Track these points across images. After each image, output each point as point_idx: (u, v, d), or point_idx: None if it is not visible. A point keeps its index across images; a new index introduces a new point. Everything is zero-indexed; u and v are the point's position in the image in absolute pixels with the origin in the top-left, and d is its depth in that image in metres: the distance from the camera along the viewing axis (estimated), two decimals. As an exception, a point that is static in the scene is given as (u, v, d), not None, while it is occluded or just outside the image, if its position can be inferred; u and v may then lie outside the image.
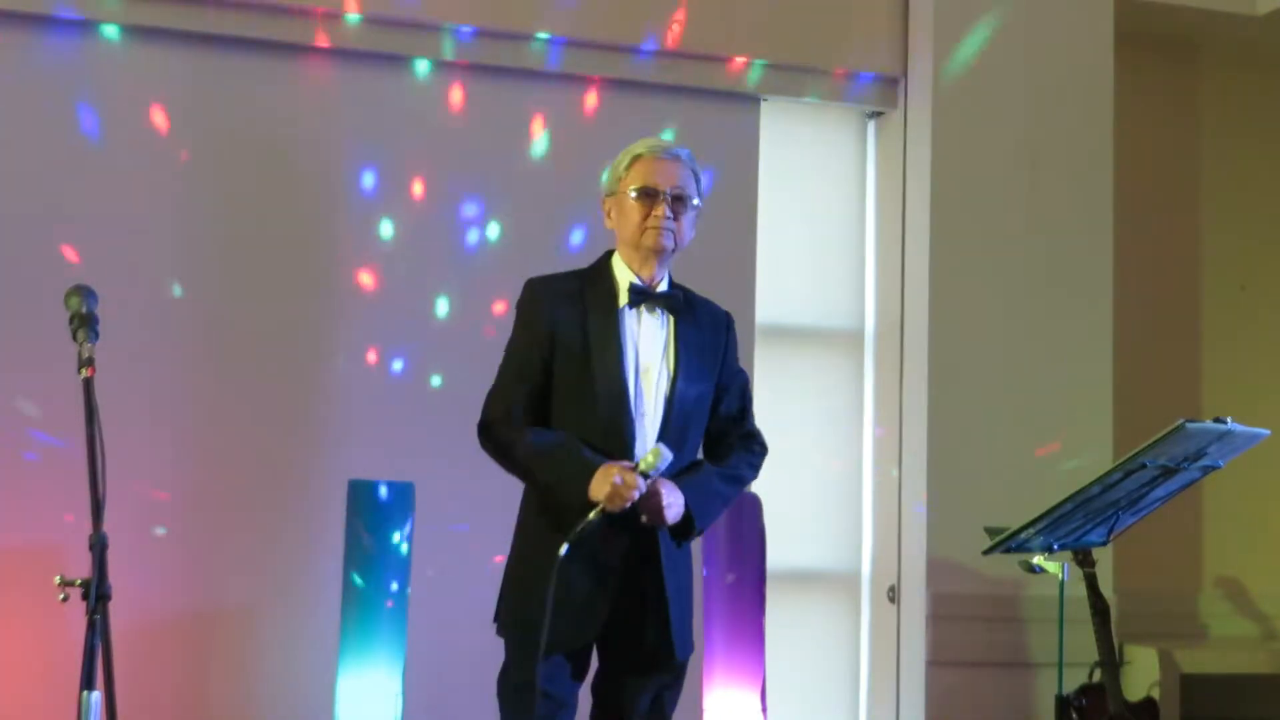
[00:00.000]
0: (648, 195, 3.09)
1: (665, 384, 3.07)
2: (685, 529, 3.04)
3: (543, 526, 3.02)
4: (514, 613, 3.07)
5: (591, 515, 2.88)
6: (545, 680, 2.93)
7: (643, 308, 3.10)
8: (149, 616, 3.95)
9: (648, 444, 2.97)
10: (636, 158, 3.15)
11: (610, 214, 3.19)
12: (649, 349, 3.09)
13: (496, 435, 3.08)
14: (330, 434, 4.20)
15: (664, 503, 2.94)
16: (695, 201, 3.15)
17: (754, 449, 3.24)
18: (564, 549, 2.84)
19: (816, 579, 4.81)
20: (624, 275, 3.13)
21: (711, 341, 3.18)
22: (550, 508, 3.01)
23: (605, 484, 2.90)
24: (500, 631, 3.10)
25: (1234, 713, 4.85)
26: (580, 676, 3.07)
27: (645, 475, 2.91)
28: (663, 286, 3.15)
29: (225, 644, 4.09)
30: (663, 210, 3.08)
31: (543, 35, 4.40)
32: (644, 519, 2.96)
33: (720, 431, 3.19)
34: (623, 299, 3.10)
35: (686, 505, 2.99)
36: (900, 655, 4.66)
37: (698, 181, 3.18)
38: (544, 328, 3.08)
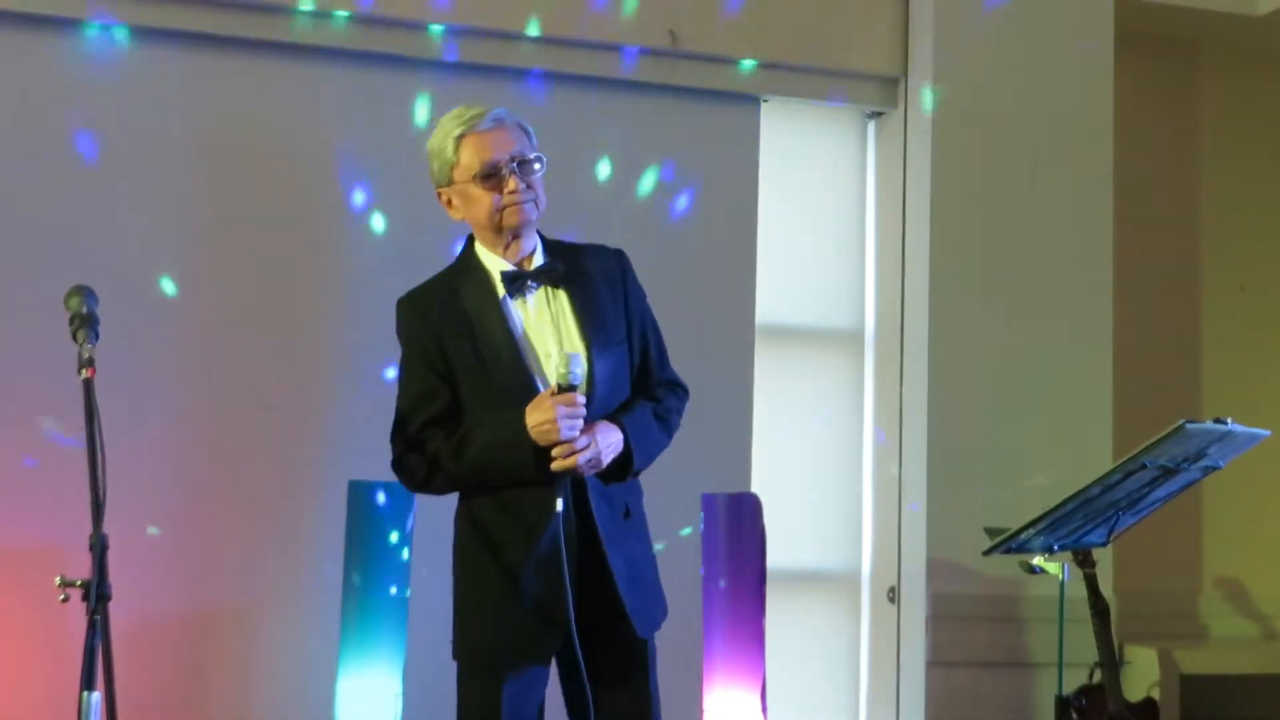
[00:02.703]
0: (491, 175, 2.90)
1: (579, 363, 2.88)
2: (619, 468, 2.90)
3: (483, 558, 2.93)
4: (469, 643, 2.96)
5: (555, 454, 2.76)
6: (510, 712, 2.86)
7: (523, 292, 2.92)
8: (149, 616, 3.95)
9: (584, 402, 2.82)
10: (460, 139, 2.94)
11: (452, 204, 2.99)
12: (543, 333, 2.92)
13: (414, 462, 2.95)
14: (330, 434, 4.20)
15: (597, 447, 2.80)
16: (537, 160, 2.95)
17: (679, 393, 3.10)
18: (559, 505, 2.75)
19: (816, 579, 4.81)
20: (492, 264, 2.95)
21: (609, 294, 2.98)
22: (490, 540, 2.90)
23: (545, 419, 2.76)
24: (456, 656, 2.98)
25: (1234, 713, 4.85)
26: (540, 701, 2.96)
27: (572, 387, 2.78)
28: (537, 259, 2.97)
29: (225, 644, 4.09)
30: (514, 183, 2.89)
31: (542, 35, 4.40)
32: (570, 467, 2.79)
33: (640, 386, 3.04)
34: (500, 290, 2.93)
35: (625, 441, 2.87)
36: (900, 655, 4.66)
37: (531, 138, 2.98)
38: (432, 343, 2.93)
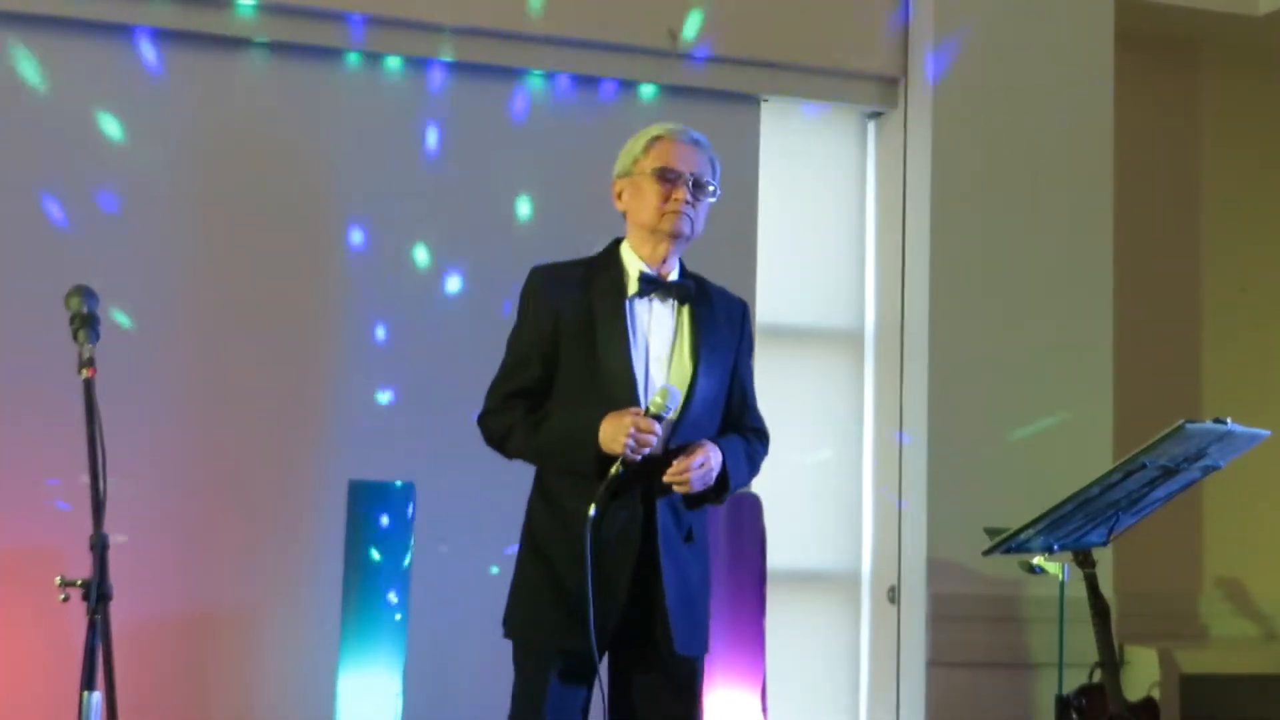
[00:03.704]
0: (668, 178, 3.00)
1: (683, 376, 2.97)
2: (709, 491, 2.95)
3: (530, 547, 2.97)
4: (510, 621, 2.99)
5: (613, 470, 2.79)
6: (554, 707, 2.88)
7: (653, 297, 3.00)
8: (149, 616, 3.95)
9: (659, 434, 2.87)
10: (656, 139, 3.05)
11: (622, 196, 3.08)
12: (660, 339, 2.99)
13: (493, 424, 3.01)
14: (330, 434, 4.20)
15: (711, 464, 2.88)
16: (713, 191, 3.06)
17: (764, 441, 3.17)
18: (592, 510, 2.77)
19: (816, 579, 4.81)
20: (633, 263, 3.03)
21: (727, 334, 3.08)
22: (559, 508, 2.92)
23: (618, 432, 2.81)
24: (509, 634, 2.99)
25: (1234, 713, 4.85)
26: (577, 696, 2.95)
27: (658, 418, 2.82)
28: (674, 275, 3.05)
29: (225, 644, 4.09)
30: (683, 194, 2.99)
31: (544, 36, 4.40)
32: (671, 482, 2.86)
33: (731, 427, 3.10)
34: (632, 287, 3.00)
35: (723, 465, 2.93)
36: (900, 655, 4.66)
37: (715, 171, 3.08)
38: (548, 318, 2.99)
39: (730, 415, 3.11)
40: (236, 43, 4.18)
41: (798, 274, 4.84)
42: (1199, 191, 5.45)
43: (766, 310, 4.70)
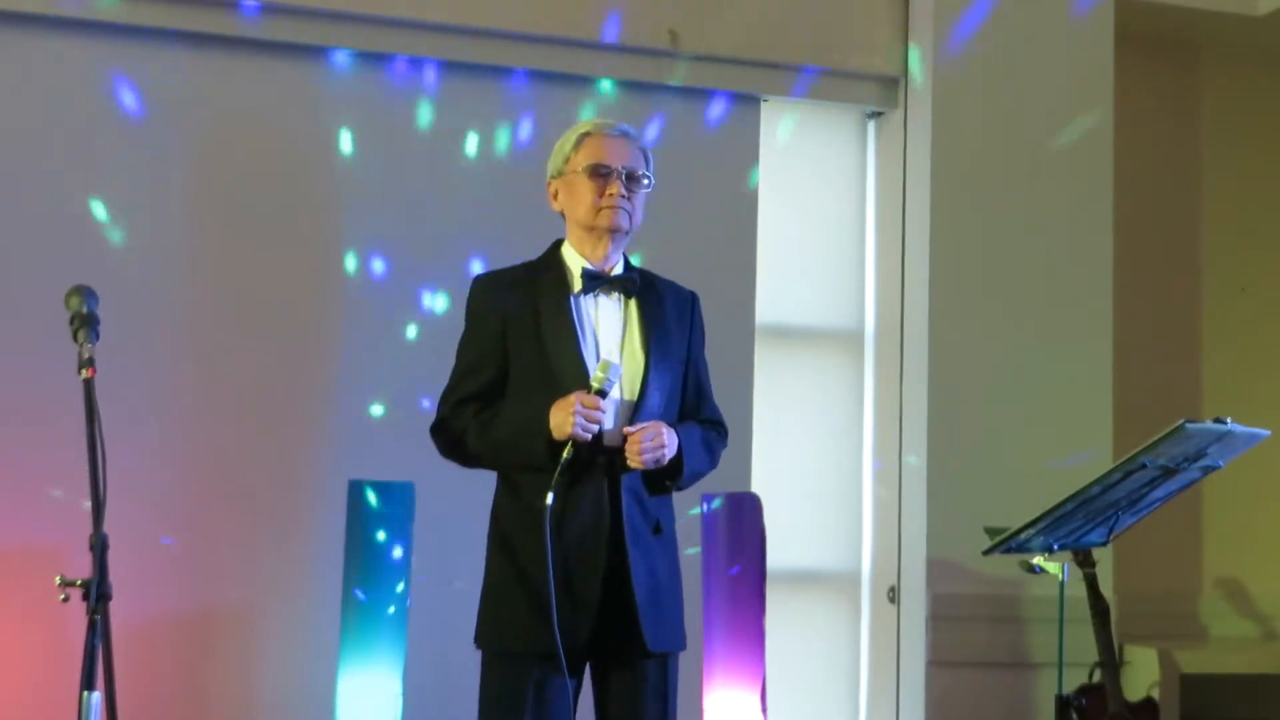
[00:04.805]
0: (600, 174, 3.01)
1: (635, 368, 2.99)
2: (664, 475, 2.99)
3: (498, 549, 3.00)
4: (480, 626, 3.01)
5: (565, 453, 2.83)
6: (540, 710, 2.88)
7: (599, 293, 3.02)
8: (149, 616, 3.95)
9: (605, 410, 2.90)
10: (585, 135, 3.06)
11: (557, 196, 3.10)
12: (609, 333, 3.01)
13: (448, 429, 3.03)
14: (330, 434, 4.20)
15: (663, 440, 2.90)
16: (647, 181, 3.07)
17: (720, 431, 3.19)
18: (549, 499, 2.80)
19: (816, 579, 4.81)
20: (575, 261, 3.05)
21: (677, 324, 3.10)
22: (527, 506, 2.92)
23: (566, 413, 2.83)
24: (479, 643, 3.01)
25: (1234, 713, 4.85)
26: (545, 694, 2.94)
27: (602, 393, 2.85)
28: (617, 270, 3.07)
29: (225, 644, 4.09)
30: (617, 188, 3.00)
31: (543, 35, 4.40)
32: (629, 459, 2.89)
33: (687, 418, 3.12)
34: (576, 285, 3.02)
35: (678, 447, 2.96)
36: (900, 655, 4.66)
37: (647, 161, 3.09)
38: (495, 323, 3.01)
39: (686, 406, 3.12)
40: (237, 42, 4.18)
41: (798, 274, 4.84)
42: (1199, 191, 5.45)
43: (766, 310, 4.71)
